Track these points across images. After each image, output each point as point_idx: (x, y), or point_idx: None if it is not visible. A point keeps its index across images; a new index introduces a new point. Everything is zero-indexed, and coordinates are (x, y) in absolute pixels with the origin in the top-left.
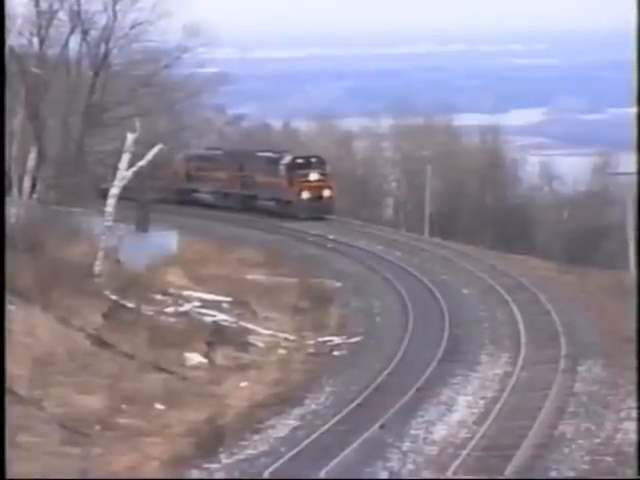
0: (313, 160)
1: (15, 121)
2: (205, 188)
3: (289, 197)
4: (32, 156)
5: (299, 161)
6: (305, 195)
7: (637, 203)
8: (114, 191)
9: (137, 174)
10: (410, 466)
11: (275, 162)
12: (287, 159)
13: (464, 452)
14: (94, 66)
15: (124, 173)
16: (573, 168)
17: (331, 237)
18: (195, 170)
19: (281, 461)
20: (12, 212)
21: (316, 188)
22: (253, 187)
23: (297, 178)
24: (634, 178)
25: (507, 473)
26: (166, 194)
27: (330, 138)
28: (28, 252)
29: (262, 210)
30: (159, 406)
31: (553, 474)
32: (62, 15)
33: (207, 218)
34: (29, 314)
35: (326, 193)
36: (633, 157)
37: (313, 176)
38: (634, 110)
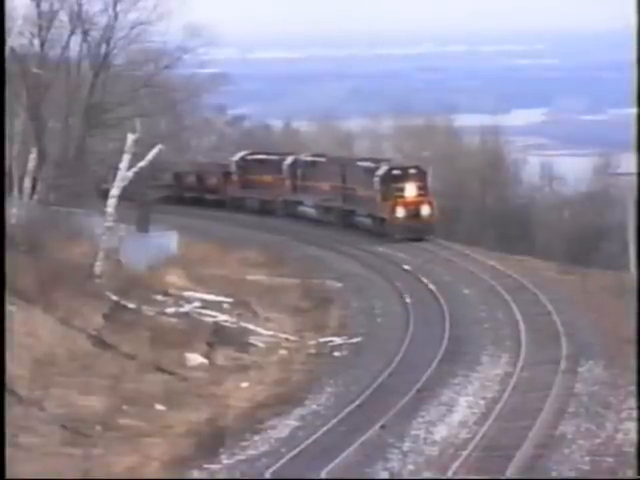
0: (411, 171)
1: (16, 122)
2: (309, 200)
3: (383, 214)
4: (33, 157)
5: (395, 172)
6: (400, 212)
7: (637, 204)
8: (115, 192)
9: (137, 174)
10: (410, 466)
11: (371, 173)
12: (382, 170)
13: (465, 452)
14: (95, 67)
15: (125, 174)
16: (574, 169)
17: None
18: (301, 179)
19: (282, 461)
20: (13, 213)
21: (413, 204)
22: (353, 201)
23: (391, 192)
24: (634, 179)
25: (508, 473)
26: (271, 206)
27: (331, 139)
28: (29, 253)
29: (360, 228)
30: (160, 407)
31: (553, 474)
32: (63, 16)
33: (207, 218)
34: (30, 315)
35: (425, 210)
36: (633, 158)
37: (410, 190)
38: (634, 111)
